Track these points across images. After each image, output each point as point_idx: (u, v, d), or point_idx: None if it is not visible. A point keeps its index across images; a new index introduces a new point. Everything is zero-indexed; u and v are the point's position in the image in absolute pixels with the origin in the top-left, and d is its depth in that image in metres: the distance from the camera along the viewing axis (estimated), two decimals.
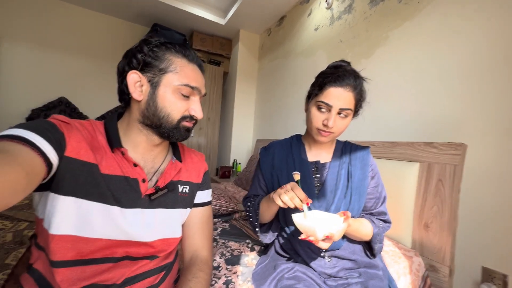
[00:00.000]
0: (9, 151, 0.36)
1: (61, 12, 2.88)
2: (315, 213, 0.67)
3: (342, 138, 0.92)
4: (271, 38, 3.00)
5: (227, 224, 1.24)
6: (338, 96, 0.70)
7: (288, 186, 0.63)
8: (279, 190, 0.64)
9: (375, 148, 1.36)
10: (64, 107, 2.89)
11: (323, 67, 0.82)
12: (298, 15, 2.50)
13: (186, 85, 0.56)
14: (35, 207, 0.52)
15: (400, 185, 1.17)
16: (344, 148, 0.86)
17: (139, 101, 0.56)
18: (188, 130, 0.61)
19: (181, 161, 0.67)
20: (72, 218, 0.48)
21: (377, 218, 0.81)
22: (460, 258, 1.09)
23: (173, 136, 0.58)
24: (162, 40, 0.57)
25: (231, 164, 3.14)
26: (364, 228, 0.74)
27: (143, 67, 0.55)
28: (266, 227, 0.85)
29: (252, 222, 0.82)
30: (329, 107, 0.71)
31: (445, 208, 1.03)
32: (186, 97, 0.58)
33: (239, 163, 3.08)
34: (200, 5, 2.92)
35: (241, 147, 3.26)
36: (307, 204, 0.62)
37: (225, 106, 3.54)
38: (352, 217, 0.75)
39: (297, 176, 0.67)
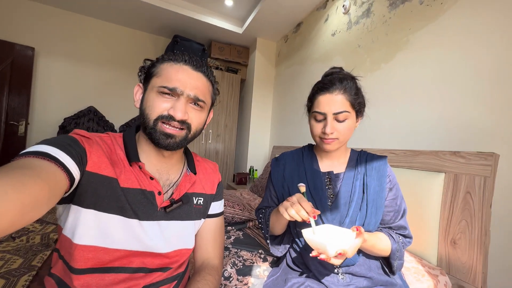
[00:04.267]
0: (33, 167, 0.38)
1: (90, 28, 3.11)
2: (326, 227, 0.64)
3: (358, 146, 0.89)
4: (288, 44, 3.01)
5: (240, 233, 1.23)
6: (328, 102, 0.70)
7: (294, 198, 0.62)
8: (285, 203, 0.63)
9: (396, 157, 1.29)
10: (93, 115, 3.08)
11: None
12: (315, 21, 2.48)
13: (164, 87, 0.54)
14: (58, 217, 0.55)
15: (423, 197, 1.10)
16: (360, 158, 0.81)
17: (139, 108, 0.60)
18: (169, 136, 0.55)
19: (195, 173, 0.68)
20: (93, 229, 0.50)
21: (396, 233, 0.76)
22: (494, 279, 0.99)
23: (153, 139, 0.55)
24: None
25: (247, 171, 3.15)
26: (381, 243, 0.70)
27: (145, 78, 0.60)
28: (278, 240, 0.84)
29: (264, 234, 0.81)
30: (323, 115, 0.71)
31: (475, 223, 0.95)
32: (169, 98, 0.55)
33: (256, 170, 3.08)
34: (218, 16, 3.01)
35: (258, 154, 3.26)
36: (314, 217, 0.59)
37: (242, 113, 3.58)
38: (369, 231, 0.72)
39: (302, 188, 0.65)
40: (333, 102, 0.70)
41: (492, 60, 1.09)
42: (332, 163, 0.82)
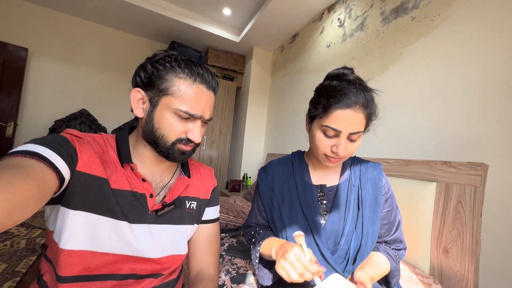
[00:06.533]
0: (22, 166, 0.37)
1: (86, 30, 3.10)
2: (332, 281, 0.56)
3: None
4: (283, 54, 3.07)
5: (234, 240, 1.21)
6: (347, 119, 0.59)
7: (292, 256, 0.51)
8: (282, 263, 0.52)
9: (389, 166, 1.31)
10: (85, 118, 3.03)
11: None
12: (310, 32, 2.55)
13: (185, 112, 0.53)
14: (46, 219, 0.53)
15: (415, 205, 1.11)
16: (353, 167, 0.76)
17: (142, 118, 0.56)
18: (184, 153, 0.57)
19: (189, 177, 0.67)
20: (81, 232, 0.48)
21: (392, 248, 0.73)
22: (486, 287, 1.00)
23: (168, 156, 0.56)
24: (170, 53, 0.55)
25: (241, 178, 3.13)
26: (383, 271, 0.66)
27: (147, 85, 0.54)
28: (268, 266, 0.75)
29: (252, 259, 0.73)
30: (337, 132, 0.61)
31: (466, 232, 0.96)
32: (186, 119, 0.54)
33: (250, 177, 3.07)
34: (215, 24, 3.06)
35: (252, 161, 3.26)
36: (320, 277, 0.51)
37: (237, 120, 3.59)
38: (367, 252, 0.68)
39: (299, 238, 0.53)
40: (353, 120, 0.60)
41: (482, 72, 1.14)
42: (325, 173, 0.77)
